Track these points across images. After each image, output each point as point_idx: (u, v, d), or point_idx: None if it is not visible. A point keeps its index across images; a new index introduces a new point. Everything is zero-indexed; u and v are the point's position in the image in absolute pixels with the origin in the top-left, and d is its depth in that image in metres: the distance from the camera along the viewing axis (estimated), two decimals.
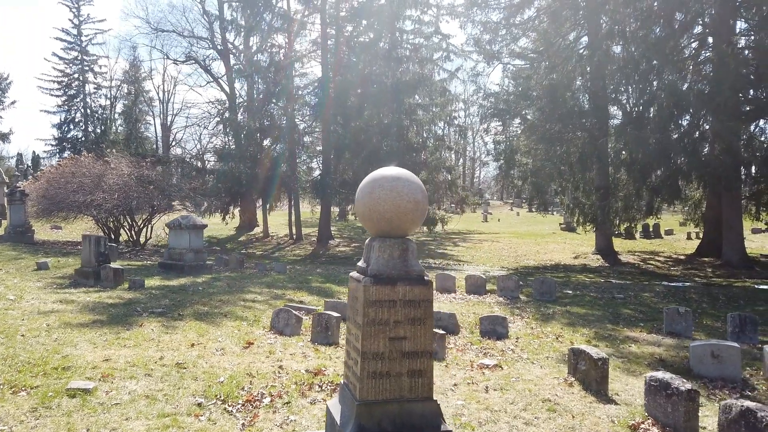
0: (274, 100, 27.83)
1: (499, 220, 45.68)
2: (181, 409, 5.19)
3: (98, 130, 54.09)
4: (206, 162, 32.43)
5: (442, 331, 7.60)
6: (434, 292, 13.34)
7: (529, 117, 22.13)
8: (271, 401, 5.52)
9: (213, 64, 41.06)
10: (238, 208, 32.65)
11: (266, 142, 28.14)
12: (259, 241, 28.77)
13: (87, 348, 6.95)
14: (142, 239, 21.85)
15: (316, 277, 15.04)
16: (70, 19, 54.52)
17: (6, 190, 23.94)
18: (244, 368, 6.48)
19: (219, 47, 35.69)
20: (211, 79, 38.21)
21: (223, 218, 29.80)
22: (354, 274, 3.72)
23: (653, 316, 10.72)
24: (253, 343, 7.62)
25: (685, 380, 5.24)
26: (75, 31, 54.07)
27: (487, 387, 6.11)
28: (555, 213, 46.64)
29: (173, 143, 55.87)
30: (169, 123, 56.35)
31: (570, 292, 13.81)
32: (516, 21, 21.75)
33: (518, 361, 7.37)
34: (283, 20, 26.82)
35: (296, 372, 6.39)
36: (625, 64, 18.62)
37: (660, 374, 5.35)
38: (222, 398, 5.52)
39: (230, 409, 5.30)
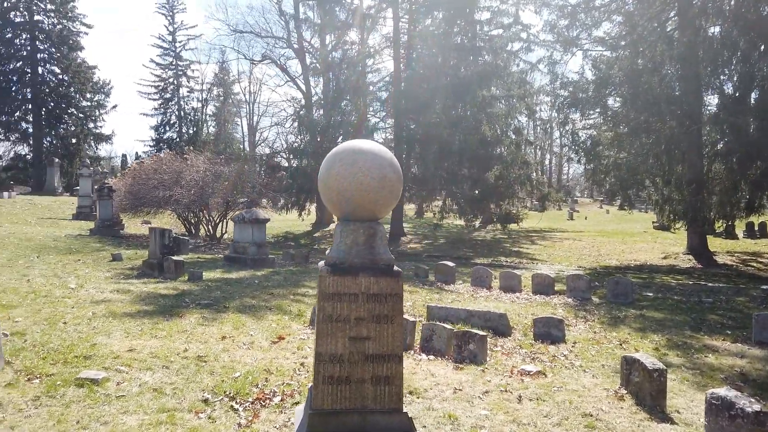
0: (347, 97, 27.81)
1: (586, 218, 43.46)
2: (184, 405, 4.95)
3: (191, 131, 57.05)
4: (290, 160, 32.93)
5: (482, 333, 6.95)
6: (497, 291, 12.73)
7: (611, 106, 20.56)
8: (281, 400, 5.18)
9: (290, 63, 42.02)
10: (315, 205, 33.00)
11: (340, 139, 28.18)
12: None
13: (119, 337, 6.95)
14: (218, 233, 22.49)
15: None
16: (165, 26, 57.99)
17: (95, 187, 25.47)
18: (266, 364, 6.20)
19: (295, 46, 36.25)
20: (288, 79, 38.98)
21: (299, 214, 30.21)
22: (320, 263, 3.26)
23: (744, 323, 9.43)
24: (284, 338, 7.35)
25: (753, 399, 4.35)
26: (170, 38, 57.38)
27: (521, 396, 5.44)
28: (648, 211, 43.67)
29: (260, 142, 57.85)
30: (255, 123, 58.42)
31: (650, 294, 12.58)
32: (596, 3, 20.27)
33: (568, 368, 6.60)
34: (355, 16, 26.74)
35: None
36: (722, 44, 16.81)
37: (723, 391, 4.48)
38: (231, 395, 5.25)
39: (237, 407, 5.01)
